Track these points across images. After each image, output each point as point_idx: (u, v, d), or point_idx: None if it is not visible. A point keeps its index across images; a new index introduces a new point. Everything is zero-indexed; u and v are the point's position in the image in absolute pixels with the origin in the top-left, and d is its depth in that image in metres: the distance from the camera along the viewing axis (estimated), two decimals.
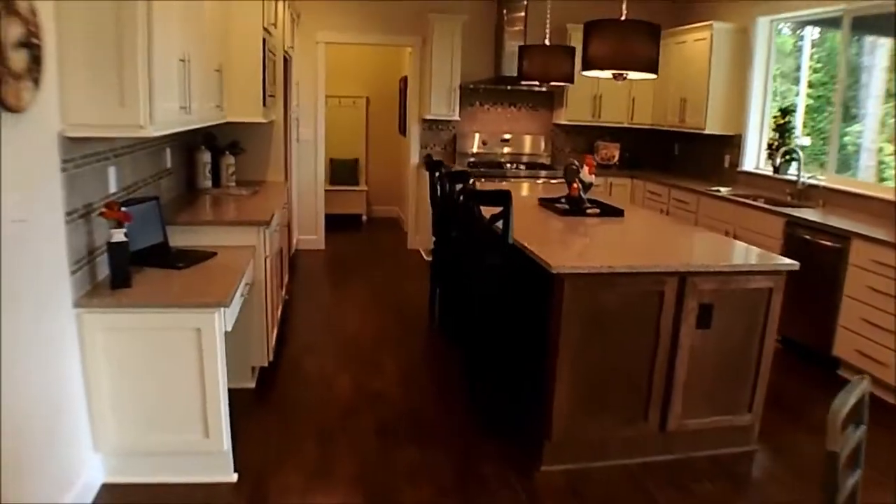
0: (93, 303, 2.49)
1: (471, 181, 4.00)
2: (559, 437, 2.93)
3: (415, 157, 7.15)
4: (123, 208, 2.62)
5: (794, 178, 5.15)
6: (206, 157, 4.33)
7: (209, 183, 4.38)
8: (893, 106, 4.64)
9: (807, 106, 5.51)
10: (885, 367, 3.62)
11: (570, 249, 3.44)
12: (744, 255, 3.23)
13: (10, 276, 1.99)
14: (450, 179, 4.11)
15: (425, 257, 6.84)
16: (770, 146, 5.45)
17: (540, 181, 6.49)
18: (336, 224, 7.50)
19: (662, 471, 3.01)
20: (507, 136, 7.17)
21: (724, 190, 5.52)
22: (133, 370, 2.57)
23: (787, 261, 3.04)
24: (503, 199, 3.04)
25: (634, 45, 3.29)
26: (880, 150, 4.83)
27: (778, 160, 5.21)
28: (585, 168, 4.21)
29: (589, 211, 4.06)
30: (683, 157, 6.97)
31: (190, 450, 2.71)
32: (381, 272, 6.45)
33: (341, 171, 8.60)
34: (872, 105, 4.95)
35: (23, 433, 2.12)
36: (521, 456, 3.06)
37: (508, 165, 6.90)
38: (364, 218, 8.76)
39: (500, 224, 3.18)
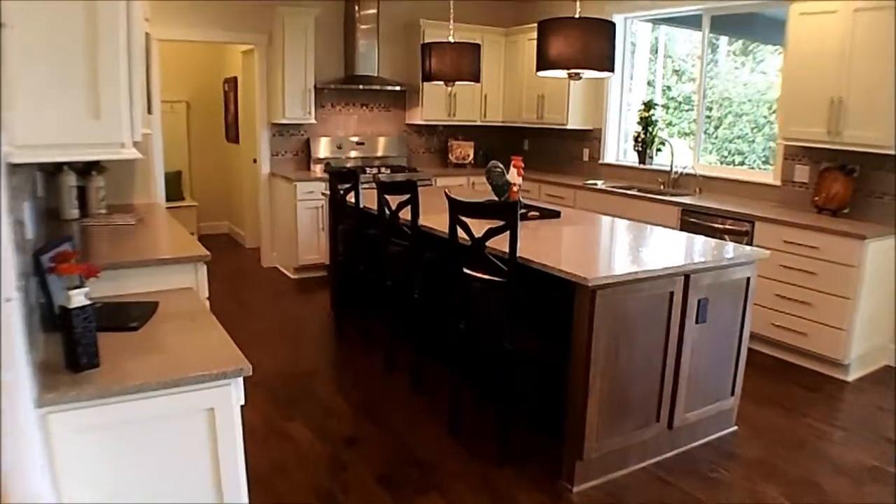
0: (65, 397, 1.77)
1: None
2: (590, 454, 2.79)
3: (266, 166, 6.47)
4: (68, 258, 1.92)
5: (663, 167, 5.58)
6: (72, 179, 3.41)
7: (76, 212, 3.46)
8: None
9: None
10: (802, 335, 4.05)
11: (571, 258, 3.15)
12: (717, 248, 3.30)
13: None
14: (385, 190, 3.71)
15: (290, 275, 6.25)
16: (636, 138, 5.83)
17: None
18: None
19: (676, 466, 3.02)
20: (361, 140, 6.80)
21: (600, 183, 5.78)
22: (125, 477, 1.89)
23: (762, 251, 3.22)
24: (507, 211, 2.79)
25: (594, 44, 3.24)
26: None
27: (654, 151, 5.59)
28: (513, 170, 4.09)
29: (530, 214, 3.96)
30: (536, 152, 7.19)
31: None
32: (250, 295, 5.74)
33: (165, 186, 7.49)
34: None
35: None
36: (546, 478, 2.88)
37: (369, 169, 6.54)
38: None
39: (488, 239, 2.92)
